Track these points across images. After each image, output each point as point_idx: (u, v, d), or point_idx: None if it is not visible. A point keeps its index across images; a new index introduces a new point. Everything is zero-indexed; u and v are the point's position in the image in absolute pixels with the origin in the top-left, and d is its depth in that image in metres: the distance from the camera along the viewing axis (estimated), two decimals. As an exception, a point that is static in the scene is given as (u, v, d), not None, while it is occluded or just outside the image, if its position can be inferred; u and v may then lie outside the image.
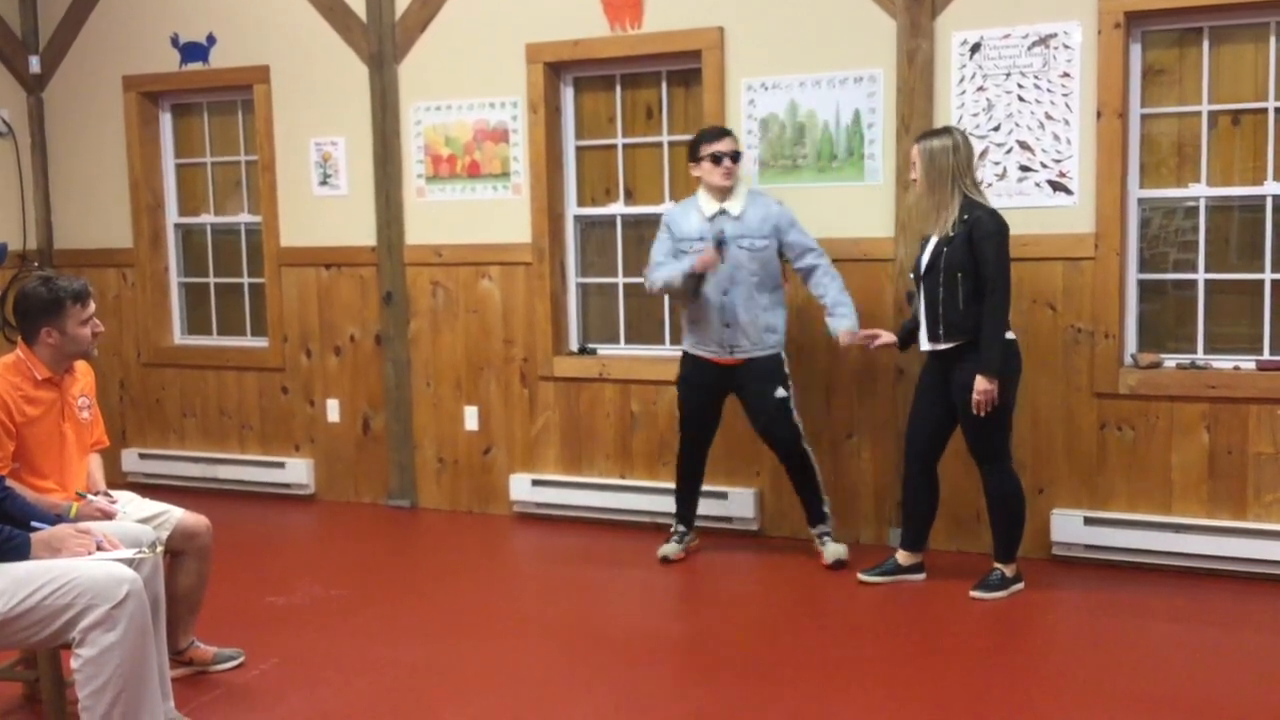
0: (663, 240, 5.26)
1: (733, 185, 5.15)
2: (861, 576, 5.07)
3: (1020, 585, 4.86)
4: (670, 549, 5.41)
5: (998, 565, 4.88)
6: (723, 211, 5.15)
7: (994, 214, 4.71)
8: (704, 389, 5.31)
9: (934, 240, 4.78)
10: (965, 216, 4.68)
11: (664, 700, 3.97)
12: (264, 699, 4.04)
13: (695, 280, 5.12)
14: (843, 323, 5.11)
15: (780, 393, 5.19)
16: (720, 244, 5.07)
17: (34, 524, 3.33)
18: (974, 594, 4.81)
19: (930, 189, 4.75)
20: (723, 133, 5.20)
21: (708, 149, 5.13)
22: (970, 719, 3.78)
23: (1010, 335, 4.77)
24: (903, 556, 5.07)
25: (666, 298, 5.81)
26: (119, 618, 3.07)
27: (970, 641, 4.45)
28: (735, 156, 5.14)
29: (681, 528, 5.48)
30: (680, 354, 5.40)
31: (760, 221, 5.13)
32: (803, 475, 5.30)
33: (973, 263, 4.65)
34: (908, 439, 5.03)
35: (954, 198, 4.71)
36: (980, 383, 4.64)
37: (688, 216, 5.22)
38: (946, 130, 4.82)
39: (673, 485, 5.55)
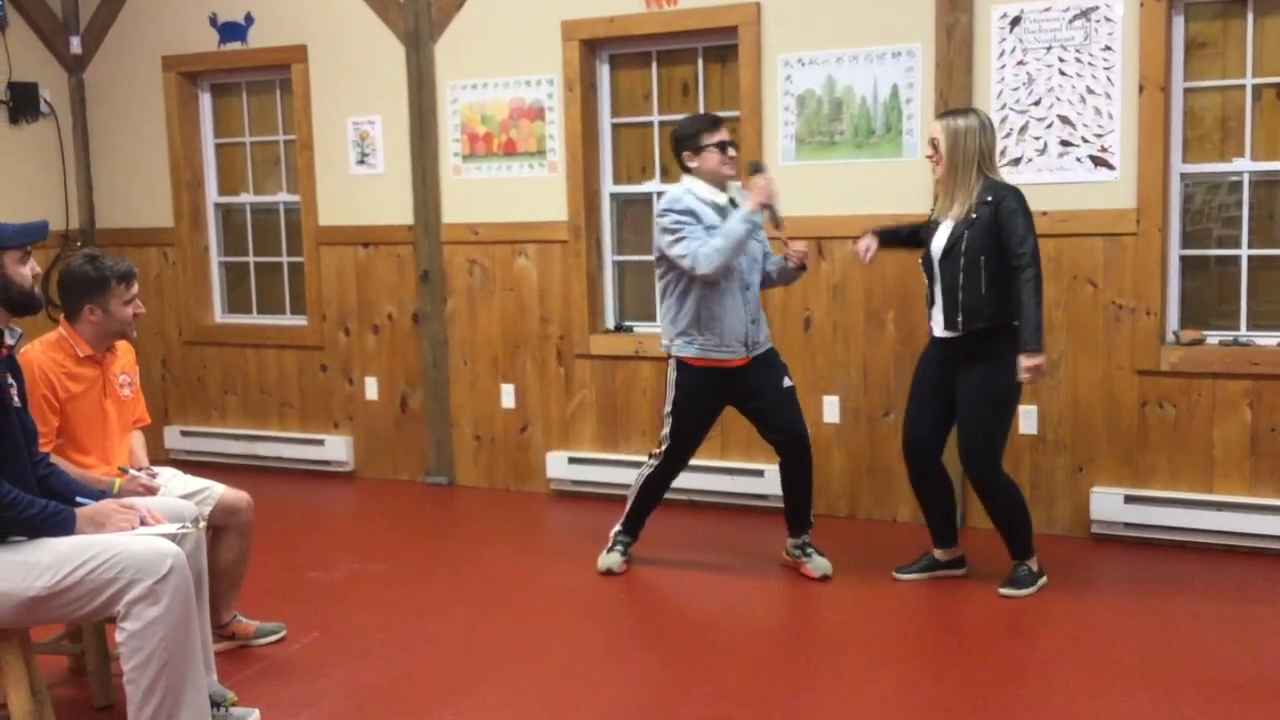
0: (694, 227, 4.67)
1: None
2: (897, 575, 4.87)
3: (1045, 579, 4.70)
4: (615, 560, 5.04)
5: (1021, 562, 4.72)
6: (731, 201, 4.79)
7: (1017, 191, 4.51)
8: (713, 401, 4.88)
9: (949, 224, 4.57)
10: (989, 198, 4.48)
11: (696, 679, 3.98)
12: (305, 672, 4.09)
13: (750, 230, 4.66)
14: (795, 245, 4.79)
15: (788, 381, 4.92)
16: (758, 169, 4.71)
17: (78, 499, 3.37)
18: (1004, 592, 4.64)
19: (952, 169, 4.54)
20: (720, 120, 4.87)
21: (711, 138, 4.75)
22: (1011, 698, 3.78)
23: (1018, 322, 4.58)
24: (940, 553, 4.89)
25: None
26: (163, 592, 3.10)
27: (1008, 621, 4.44)
28: (736, 145, 4.85)
29: (627, 539, 5.11)
30: (677, 365, 4.84)
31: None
32: (806, 475, 4.94)
33: (997, 245, 4.46)
34: (906, 436, 4.81)
35: (977, 180, 4.51)
36: (1024, 360, 4.43)
37: (702, 209, 4.71)
38: (971, 110, 4.64)
39: (705, 464, 5.51)
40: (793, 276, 4.96)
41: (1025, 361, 4.45)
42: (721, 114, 5.86)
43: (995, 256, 4.48)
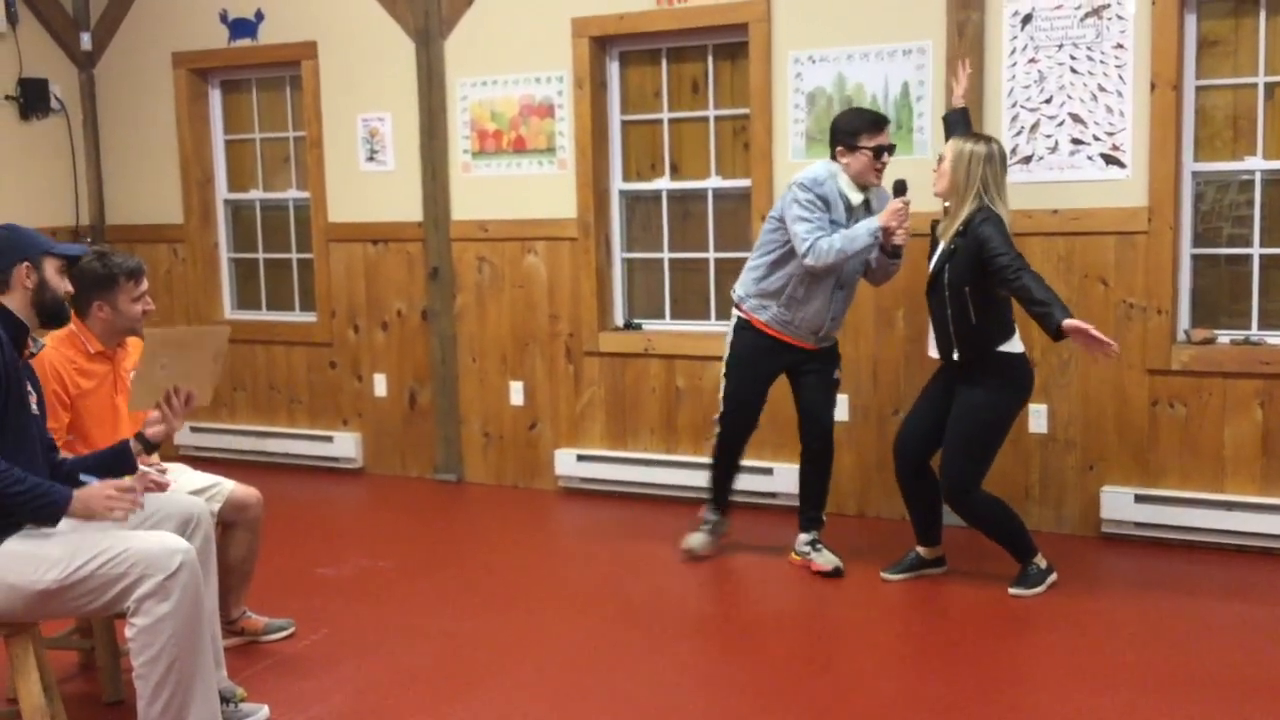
0: (823, 215, 4.65)
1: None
2: (884, 575, 4.85)
3: (1055, 576, 4.68)
4: (700, 541, 5.11)
5: (1029, 562, 4.67)
6: (865, 203, 4.78)
7: (992, 216, 4.44)
8: (769, 366, 4.92)
9: (941, 246, 4.57)
10: (963, 228, 4.45)
11: (705, 676, 3.98)
12: (314, 668, 4.09)
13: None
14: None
15: (837, 373, 5.00)
16: (900, 190, 4.61)
17: (82, 478, 3.35)
18: (1014, 591, 4.61)
19: (953, 190, 4.51)
20: (884, 121, 4.80)
21: (870, 141, 4.69)
22: (1020, 696, 3.77)
23: (1020, 349, 4.58)
24: (924, 550, 4.89)
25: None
26: (172, 588, 3.11)
27: (1018, 619, 4.43)
28: (892, 150, 4.78)
29: (715, 516, 5.15)
30: (742, 323, 4.91)
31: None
32: (826, 469, 5.03)
33: (982, 274, 4.43)
34: (899, 434, 4.84)
35: (966, 206, 4.48)
36: (1070, 323, 4.22)
37: (836, 200, 4.70)
38: (986, 139, 4.58)
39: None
40: (889, 268, 4.86)
41: (1070, 324, 4.21)
42: (733, 111, 5.90)
43: (980, 285, 4.46)
